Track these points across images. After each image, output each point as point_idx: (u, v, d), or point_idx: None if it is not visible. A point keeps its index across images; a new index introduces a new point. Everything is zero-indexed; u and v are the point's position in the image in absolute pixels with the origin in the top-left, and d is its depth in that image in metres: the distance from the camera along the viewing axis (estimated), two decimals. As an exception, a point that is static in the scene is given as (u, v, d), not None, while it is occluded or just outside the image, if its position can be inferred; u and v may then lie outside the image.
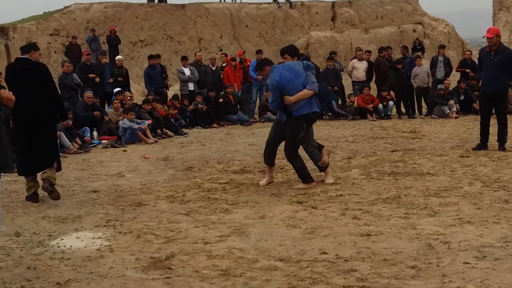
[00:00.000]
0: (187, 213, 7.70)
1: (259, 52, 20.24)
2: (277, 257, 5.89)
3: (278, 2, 48.18)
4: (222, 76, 20.02)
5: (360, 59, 19.72)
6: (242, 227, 6.99)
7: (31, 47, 9.29)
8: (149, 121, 15.40)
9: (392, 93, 19.15)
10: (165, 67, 20.09)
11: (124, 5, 43.51)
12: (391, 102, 18.88)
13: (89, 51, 20.01)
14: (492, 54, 11.11)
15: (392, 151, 11.76)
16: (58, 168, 9.10)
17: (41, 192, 8.87)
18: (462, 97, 18.74)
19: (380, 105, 18.72)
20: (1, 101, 4.83)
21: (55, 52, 34.69)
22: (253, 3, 48.02)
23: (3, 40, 39.70)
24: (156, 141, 14.97)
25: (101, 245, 6.53)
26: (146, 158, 12.39)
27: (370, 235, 6.43)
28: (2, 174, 5.08)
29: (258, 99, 20.07)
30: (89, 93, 15.82)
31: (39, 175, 8.85)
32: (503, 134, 11.41)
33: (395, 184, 8.83)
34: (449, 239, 6.12)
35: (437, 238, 6.15)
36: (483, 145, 11.50)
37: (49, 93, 8.84)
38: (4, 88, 13.86)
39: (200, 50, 42.60)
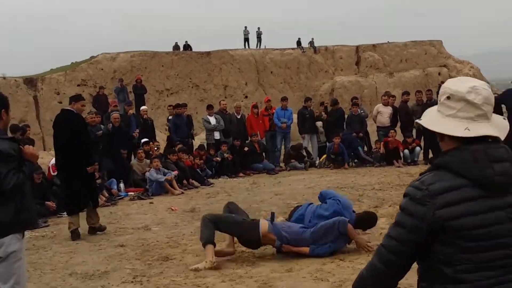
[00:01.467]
0: (214, 267, 7.66)
1: (284, 99, 20.36)
2: (305, 313, 5.83)
3: (302, 47, 48.62)
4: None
5: (385, 104, 19.70)
6: (269, 281, 6.95)
7: (71, 98, 10.59)
8: (175, 172, 15.47)
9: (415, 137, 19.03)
10: (191, 116, 20.23)
11: (150, 53, 44.22)
12: (417, 148, 18.76)
13: (117, 102, 20.24)
14: None
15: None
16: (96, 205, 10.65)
17: (64, 248, 8.92)
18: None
19: (406, 151, 18.62)
20: (26, 156, 4.87)
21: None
22: (277, 49, 48.53)
23: (32, 92, 40.42)
24: (182, 192, 15.00)
25: (127, 302, 6.52)
26: (172, 210, 12.41)
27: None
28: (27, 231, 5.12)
29: (283, 147, 20.11)
30: (115, 114, 16.20)
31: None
32: None
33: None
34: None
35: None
36: None
37: (84, 145, 10.26)
38: (31, 144, 14.16)
39: (225, 97, 43.01)
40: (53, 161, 15.56)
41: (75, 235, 10.05)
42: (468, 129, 2.49)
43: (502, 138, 2.54)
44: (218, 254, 7.93)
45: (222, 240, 8.37)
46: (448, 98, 2.58)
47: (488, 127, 2.50)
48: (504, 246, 2.44)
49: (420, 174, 2.64)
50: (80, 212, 10.34)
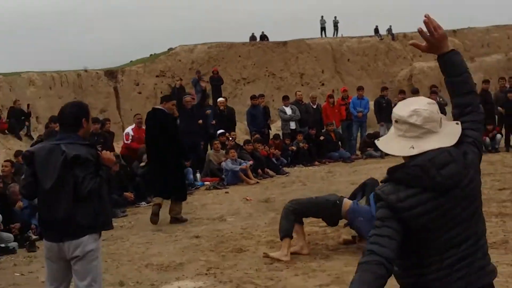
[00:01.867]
0: (287, 261, 7.64)
1: (360, 88, 20.18)
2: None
3: (380, 34, 47.95)
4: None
5: (465, 92, 19.22)
6: (342, 275, 6.88)
7: (163, 98, 11.61)
8: (250, 162, 15.54)
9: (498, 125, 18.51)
10: (268, 108, 20.23)
11: (227, 44, 44.51)
12: (498, 135, 18.26)
13: (194, 94, 20.38)
14: None
15: (500, 189, 11.32)
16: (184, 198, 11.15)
17: (143, 237, 9.08)
18: None
19: (487, 139, 18.13)
20: (103, 161, 5.00)
21: (161, 92, 35.64)
22: (354, 37, 48.01)
23: (112, 83, 41.34)
24: (258, 182, 15.06)
25: (201, 294, 6.59)
26: (247, 200, 12.48)
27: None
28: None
29: (359, 135, 19.92)
30: (187, 97, 16.27)
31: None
32: None
33: (503, 227, 8.48)
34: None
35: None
36: None
37: (173, 140, 10.78)
38: (111, 137, 14.42)
39: (302, 85, 42.89)
40: (128, 129, 15.97)
41: (154, 217, 10.51)
42: (413, 147, 2.95)
43: (453, 143, 2.97)
44: (293, 251, 7.92)
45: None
46: (396, 121, 3.03)
47: (432, 141, 2.95)
48: (455, 226, 2.91)
49: (381, 182, 3.10)
50: (165, 199, 10.77)
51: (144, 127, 12.98)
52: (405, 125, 2.98)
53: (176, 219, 10.72)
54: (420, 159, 2.92)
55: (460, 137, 3.01)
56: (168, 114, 10.94)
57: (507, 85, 19.04)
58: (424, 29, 3.11)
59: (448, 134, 3.00)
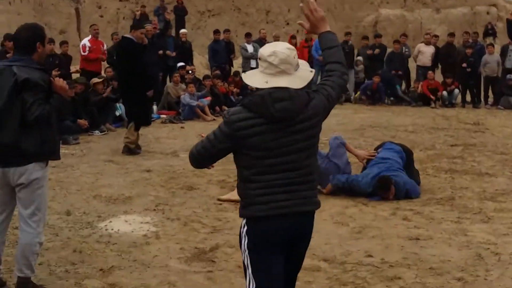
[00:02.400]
0: (236, 202, 7.65)
1: (323, 32, 19.98)
2: (321, 256, 5.83)
3: (348, -23, 47.48)
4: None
5: (427, 43, 19.29)
6: (290, 220, 6.93)
7: (132, 26, 11.40)
8: (208, 99, 15.43)
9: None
10: (233, 44, 19.92)
11: (194, -26, 43.63)
12: (456, 90, 18.41)
13: (157, 23, 19.88)
14: None
15: (452, 145, 11.47)
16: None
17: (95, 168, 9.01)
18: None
19: (445, 93, 18.29)
20: (55, 89, 4.87)
21: (123, 18, 34.89)
22: (323, -23, 47.47)
23: (74, 4, 40.28)
24: (214, 119, 14.98)
25: (148, 230, 6.58)
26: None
27: (419, 239, 6.29)
28: (61, 146, 5.24)
29: (319, 79, 19.87)
30: (148, 26, 15.20)
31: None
32: None
33: (451, 183, 8.61)
34: (500, 250, 5.94)
35: (488, 248, 5.98)
36: None
37: (142, 69, 10.76)
38: (68, 60, 14.11)
39: (267, 22, 42.41)
40: (84, 41, 15.68)
41: (128, 150, 10.65)
42: (267, 82, 3.47)
43: (301, 85, 3.49)
44: None
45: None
46: (259, 59, 3.53)
47: (284, 80, 3.47)
48: (285, 153, 3.48)
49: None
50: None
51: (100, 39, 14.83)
52: (265, 63, 3.48)
53: (131, 150, 10.65)
54: (263, 91, 3.46)
55: (319, 88, 3.62)
56: (137, 43, 10.76)
57: (470, 40, 19.12)
58: (305, 11, 3.70)
59: (300, 77, 3.52)
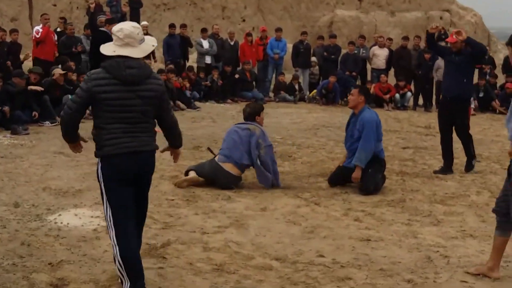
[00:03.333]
0: (189, 198, 7.61)
1: (278, 30, 20.03)
2: (273, 255, 5.82)
3: (305, -23, 47.65)
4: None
5: (381, 46, 19.48)
6: (242, 218, 6.92)
7: (107, 21, 12.70)
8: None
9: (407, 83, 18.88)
10: (188, 38, 19.75)
11: (150, -34, 43.21)
12: (409, 93, 18.64)
13: (109, 15, 19.58)
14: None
15: (404, 148, 11.61)
16: None
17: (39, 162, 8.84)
18: (481, 94, 18.44)
19: (397, 95, 18.50)
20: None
21: (77, 8, 34.48)
22: (280, -24, 47.53)
23: (27, -9, 39.59)
24: (168, 113, 14.87)
25: (98, 225, 6.48)
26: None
27: (370, 240, 6.33)
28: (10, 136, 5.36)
29: (274, 77, 19.90)
30: (102, 17, 15.48)
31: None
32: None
33: (402, 186, 8.70)
34: (449, 253, 6.01)
35: (437, 251, 6.05)
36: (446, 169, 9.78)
37: None
38: (18, 48, 13.84)
39: (223, 18, 42.31)
40: (36, 27, 15.39)
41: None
42: (114, 51, 4.60)
43: (141, 56, 4.66)
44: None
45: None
46: (112, 34, 4.60)
47: (127, 51, 4.57)
48: (128, 110, 4.57)
49: None
50: None
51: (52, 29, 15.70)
52: (115, 37, 4.57)
53: None
54: (119, 59, 4.56)
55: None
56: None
57: (423, 44, 19.34)
58: None
59: (141, 49, 4.64)
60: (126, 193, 4.68)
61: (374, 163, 8.41)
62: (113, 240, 4.66)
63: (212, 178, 8.24)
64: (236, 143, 8.30)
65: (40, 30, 15.39)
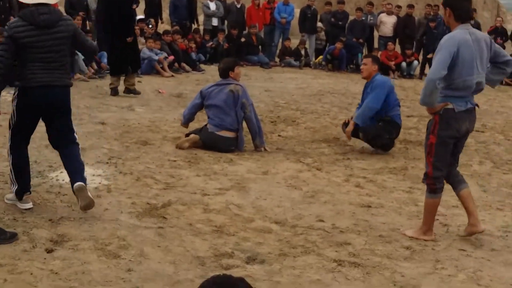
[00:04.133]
0: (191, 160, 7.62)
1: (285, -5, 19.90)
2: (273, 218, 5.84)
3: None
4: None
5: (389, 14, 19.33)
6: (243, 181, 6.93)
7: None
8: (171, 58, 15.27)
9: (416, 52, 18.78)
10: (196, 1, 19.60)
11: None
12: (415, 62, 18.54)
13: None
14: None
15: (408, 116, 11.55)
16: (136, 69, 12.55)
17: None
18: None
19: (404, 64, 18.40)
20: None
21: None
22: None
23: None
24: (173, 75, 14.84)
25: (99, 183, 6.50)
26: (159, 92, 12.28)
27: (370, 206, 6.34)
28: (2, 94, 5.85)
29: (280, 42, 19.78)
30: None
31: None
32: None
33: (405, 154, 8.69)
34: (448, 222, 6.03)
35: (437, 219, 6.02)
36: None
37: (130, 18, 12.10)
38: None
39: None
40: None
41: (114, 91, 11.78)
42: (31, 1, 5.31)
43: (52, 2, 5.38)
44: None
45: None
46: None
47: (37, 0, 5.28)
48: (45, 51, 5.31)
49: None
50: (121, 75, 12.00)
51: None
52: None
53: (130, 90, 11.81)
54: (33, 7, 5.29)
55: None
56: None
57: (432, 13, 19.19)
58: None
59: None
60: (29, 121, 5.61)
61: (387, 124, 8.51)
62: (8, 150, 5.71)
63: (211, 145, 8.24)
64: (222, 109, 8.31)
65: None
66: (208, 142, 8.23)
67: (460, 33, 5.23)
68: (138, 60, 12.60)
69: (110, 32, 11.82)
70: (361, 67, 9.02)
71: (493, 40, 5.72)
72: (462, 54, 5.14)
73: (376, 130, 8.47)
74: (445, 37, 5.28)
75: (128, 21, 11.88)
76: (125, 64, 11.83)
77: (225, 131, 8.23)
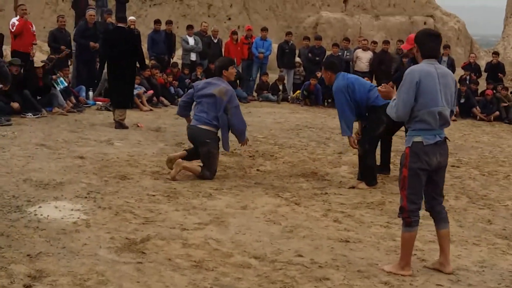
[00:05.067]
0: (170, 194, 7.63)
1: (264, 29, 20.08)
2: (252, 253, 5.85)
3: (292, -23, 47.73)
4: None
5: (365, 49, 19.59)
6: (222, 216, 6.94)
7: (120, 18, 13.34)
8: (150, 92, 15.36)
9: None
10: (173, 35, 19.72)
11: (138, -40, 43.06)
12: (391, 97, 18.73)
13: (93, 11, 19.34)
14: None
15: (384, 151, 11.67)
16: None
17: (25, 152, 8.82)
18: (462, 100, 18.56)
19: (380, 98, 18.58)
20: None
21: (62, 0, 34.25)
22: (267, -25, 47.57)
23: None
24: (151, 109, 14.88)
25: (78, 218, 6.48)
26: (138, 126, 12.30)
27: (348, 241, 6.38)
28: None
29: (258, 77, 19.92)
30: (91, 11, 16.13)
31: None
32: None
33: (382, 188, 8.77)
34: (426, 256, 6.08)
35: (415, 254, 6.09)
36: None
37: (135, 54, 12.49)
38: (0, 39, 13.84)
39: (208, 16, 42.28)
40: (13, 20, 15.16)
41: (120, 124, 12.08)
42: None
43: None
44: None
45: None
46: None
47: None
48: None
49: None
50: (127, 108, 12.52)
51: (31, 28, 14.88)
52: None
53: (121, 124, 12.09)
54: None
55: None
56: (132, 31, 13.49)
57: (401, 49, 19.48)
58: None
59: None
60: None
61: (370, 114, 8.74)
62: None
63: (192, 138, 8.83)
64: (205, 107, 8.73)
65: (16, 22, 14.92)
66: (190, 136, 8.86)
67: (423, 66, 5.48)
68: (133, 96, 13.42)
69: (113, 67, 12.38)
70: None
71: (458, 84, 5.97)
72: (424, 85, 5.35)
73: (364, 145, 8.80)
74: (408, 70, 5.52)
75: (134, 56, 12.45)
76: (131, 98, 12.77)
77: (204, 124, 8.66)
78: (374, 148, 8.94)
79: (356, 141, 8.86)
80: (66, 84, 14.15)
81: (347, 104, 8.60)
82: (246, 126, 9.15)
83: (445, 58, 19.41)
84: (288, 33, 21.06)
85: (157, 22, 19.17)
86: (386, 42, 20.06)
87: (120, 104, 12.34)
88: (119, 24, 12.79)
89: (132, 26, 18.12)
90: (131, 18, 19.69)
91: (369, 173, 8.83)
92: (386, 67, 19.03)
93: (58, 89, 13.58)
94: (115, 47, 12.20)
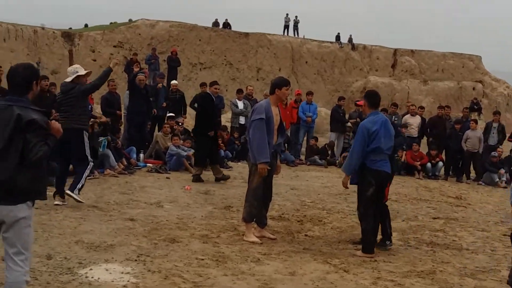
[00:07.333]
0: (218, 258, 7.65)
1: (309, 93, 20.36)
2: (301, 321, 5.80)
3: (340, 42, 48.26)
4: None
5: (413, 114, 19.58)
6: (271, 281, 6.91)
7: (212, 83, 16.06)
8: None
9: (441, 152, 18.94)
10: (223, 97, 20.04)
11: (189, 26, 44.12)
12: (440, 163, 18.64)
13: (142, 76, 19.48)
14: None
15: (435, 218, 11.53)
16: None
17: (72, 211, 8.96)
18: (514, 168, 18.36)
19: (429, 164, 18.49)
20: (52, 131, 4.95)
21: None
22: (315, 40, 48.21)
23: (68, 46, 40.61)
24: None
25: (128, 281, 6.52)
26: (187, 189, 12.42)
27: (398, 311, 6.29)
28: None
29: (305, 140, 20.04)
30: (141, 76, 16.13)
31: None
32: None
33: (432, 257, 8.64)
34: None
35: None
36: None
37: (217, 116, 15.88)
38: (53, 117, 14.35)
39: (257, 79, 42.88)
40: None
41: (197, 177, 13.67)
42: None
43: None
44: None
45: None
46: None
47: None
48: None
49: None
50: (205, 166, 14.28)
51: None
52: None
53: (221, 178, 13.80)
54: None
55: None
56: (213, 96, 14.86)
57: (459, 115, 19.55)
58: None
59: None
60: None
61: (360, 176, 8.55)
62: None
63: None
64: None
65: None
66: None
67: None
68: (218, 154, 15.30)
69: (206, 129, 14.02)
70: None
71: None
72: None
73: (360, 208, 8.79)
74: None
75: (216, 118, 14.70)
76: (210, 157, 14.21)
77: None
78: (370, 213, 8.59)
79: (348, 183, 8.72)
80: (105, 148, 14.17)
81: (361, 147, 8.35)
82: (262, 148, 8.68)
83: (495, 124, 19.30)
84: (341, 98, 21.27)
85: (203, 84, 19.42)
86: (440, 108, 20.13)
87: (199, 161, 14.17)
88: (207, 90, 15.47)
89: (174, 90, 18.54)
90: (173, 81, 20.15)
91: (365, 238, 8.55)
92: (439, 132, 19.03)
93: (101, 151, 13.78)
94: (206, 111, 14.14)
